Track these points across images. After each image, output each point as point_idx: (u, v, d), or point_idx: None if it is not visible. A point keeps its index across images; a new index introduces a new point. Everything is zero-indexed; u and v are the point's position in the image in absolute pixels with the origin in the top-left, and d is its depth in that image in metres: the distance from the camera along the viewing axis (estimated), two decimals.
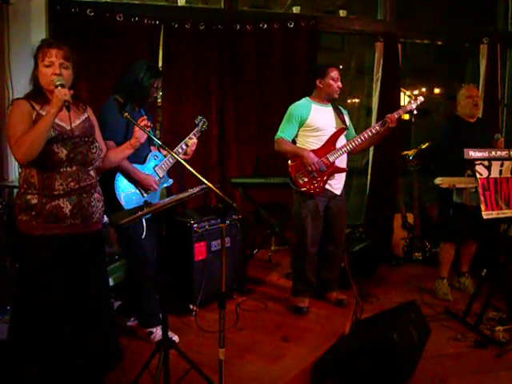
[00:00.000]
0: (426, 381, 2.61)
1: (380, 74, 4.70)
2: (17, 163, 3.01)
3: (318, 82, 3.22)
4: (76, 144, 2.05)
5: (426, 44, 5.23)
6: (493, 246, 3.65)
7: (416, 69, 6.96)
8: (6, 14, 3.66)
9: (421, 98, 3.26)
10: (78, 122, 2.12)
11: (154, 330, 2.73)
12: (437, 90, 8.25)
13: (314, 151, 3.15)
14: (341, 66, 3.56)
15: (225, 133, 4.44)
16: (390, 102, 4.62)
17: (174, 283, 3.10)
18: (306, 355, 2.65)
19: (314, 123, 3.17)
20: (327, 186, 3.19)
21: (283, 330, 2.96)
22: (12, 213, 2.15)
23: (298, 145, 3.25)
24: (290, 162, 3.18)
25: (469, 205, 3.16)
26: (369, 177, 4.89)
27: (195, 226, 3.15)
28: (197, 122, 2.99)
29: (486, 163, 3.01)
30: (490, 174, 3.01)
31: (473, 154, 3.06)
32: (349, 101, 6.74)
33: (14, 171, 3.66)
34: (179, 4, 4.39)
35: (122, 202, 2.55)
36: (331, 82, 3.18)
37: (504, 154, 3.13)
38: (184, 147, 2.83)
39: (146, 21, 4.11)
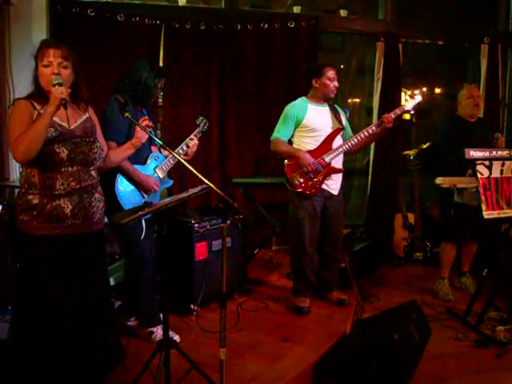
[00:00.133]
0: (426, 381, 2.61)
1: (381, 74, 4.69)
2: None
3: (314, 81, 3.19)
4: (77, 144, 2.05)
5: (426, 44, 5.22)
6: (494, 246, 3.64)
7: (417, 69, 6.97)
8: (7, 15, 3.67)
9: (418, 98, 3.25)
10: (79, 121, 2.12)
11: (155, 329, 2.73)
12: (438, 90, 8.26)
13: (310, 152, 3.14)
14: (341, 66, 3.56)
15: (225, 133, 4.44)
16: (390, 102, 4.61)
17: (175, 283, 3.10)
18: (307, 355, 2.65)
19: (311, 124, 3.15)
20: (324, 186, 3.18)
21: (284, 330, 2.96)
22: (13, 213, 2.16)
23: (294, 145, 3.24)
24: (285, 162, 3.17)
25: (470, 205, 3.16)
26: (369, 177, 4.89)
27: (196, 225, 3.15)
28: (198, 122, 2.98)
29: (486, 163, 3.01)
30: (490, 173, 3.01)
31: (473, 153, 3.06)
32: (350, 101, 6.74)
33: (15, 171, 3.67)
34: (180, 4, 4.39)
35: (123, 202, 2.55)
36: (327, 81, 3.15)
37: (505, 153, 3.13)
38: (185, 148, 2.83)
39: (146, 21, 4.11)
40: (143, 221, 2.61)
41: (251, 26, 4.35)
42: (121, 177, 2.58)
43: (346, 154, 3.29)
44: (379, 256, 4.29)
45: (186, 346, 2.39)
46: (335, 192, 3.24)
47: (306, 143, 3.19)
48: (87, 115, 2.19)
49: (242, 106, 4.46)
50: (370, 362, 2.42)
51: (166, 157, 2.82)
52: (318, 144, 3.17)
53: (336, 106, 3.33)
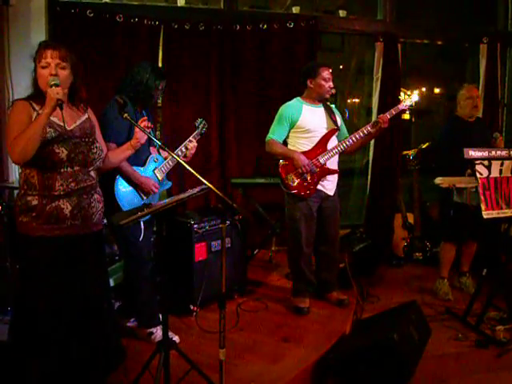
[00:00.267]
0: (426, 381, 2.61)
1: (380, 74, 4.70)
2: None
3: (308, 82, 3.17)
4: (77, 144, 2.05)
5: (425, 44, 5.23)
6: (493, 246, 3.65)
7: (416, 69, 6.97)
8: (6, 15, 3.67)
9: (414, 97, 3.24)
10: (78, 122, 2.12)
11: (155, 330, 2.73)
12: (437, 90, 8.27)
13: (304, 153, 3.13)
14: (341, 66, 3.56)
15: (225, 133, 4.44)
16: (390, 102, 4.62)
17: (175, 284, 3.10)
18: (307, 355, 2.65)
19: (305, 124, 3.14)
20: (320, 187, 3.17)
21: (284, 331, 2.96)
22: (12, 214, 2.16)
23: (289, 146, 3.23)
24: (280, 163, 3.16)
25: (469, 204, 3.16)
26: (369, 177, 4.88)
27: (195, 226, 3.14)
28: (197, 124, 2.98)
29: (486, 163, 3.01)
30: (490, 173, 3.01)
31: (473, 153, 3.05)
32: (349, 101, 6.75)
33: (14, 172, 3.67)
34: (179, 4, 4.39)
35: (122, 204, 2.55)
36: (322, 82, 3.13)
37: (504, 153, 3.13)
38: (183, 150, 2.83)
39: (145, 21, 4.11)
40: (141, 223, 2.61)
41: (250, 26, 4.35)
42: (120, 178, 2.57)
43: (344, 154, 3.28)
44: (379, 256, 4.28)
45: (186, 347, 2.39)
46: (331, 192, 3.24)
47: (301, 144, 3.17)
48: (86, 116, 2.19)
49: (241, 107, 4.45)
50: (370, 362, 2.42)
51: (165, 159, 2.81)
52: (312, 145, 3.16)
53: (332, 106, 3.32)
